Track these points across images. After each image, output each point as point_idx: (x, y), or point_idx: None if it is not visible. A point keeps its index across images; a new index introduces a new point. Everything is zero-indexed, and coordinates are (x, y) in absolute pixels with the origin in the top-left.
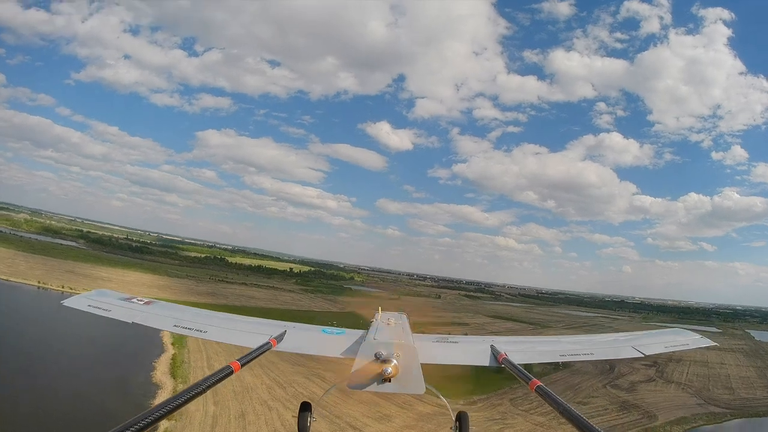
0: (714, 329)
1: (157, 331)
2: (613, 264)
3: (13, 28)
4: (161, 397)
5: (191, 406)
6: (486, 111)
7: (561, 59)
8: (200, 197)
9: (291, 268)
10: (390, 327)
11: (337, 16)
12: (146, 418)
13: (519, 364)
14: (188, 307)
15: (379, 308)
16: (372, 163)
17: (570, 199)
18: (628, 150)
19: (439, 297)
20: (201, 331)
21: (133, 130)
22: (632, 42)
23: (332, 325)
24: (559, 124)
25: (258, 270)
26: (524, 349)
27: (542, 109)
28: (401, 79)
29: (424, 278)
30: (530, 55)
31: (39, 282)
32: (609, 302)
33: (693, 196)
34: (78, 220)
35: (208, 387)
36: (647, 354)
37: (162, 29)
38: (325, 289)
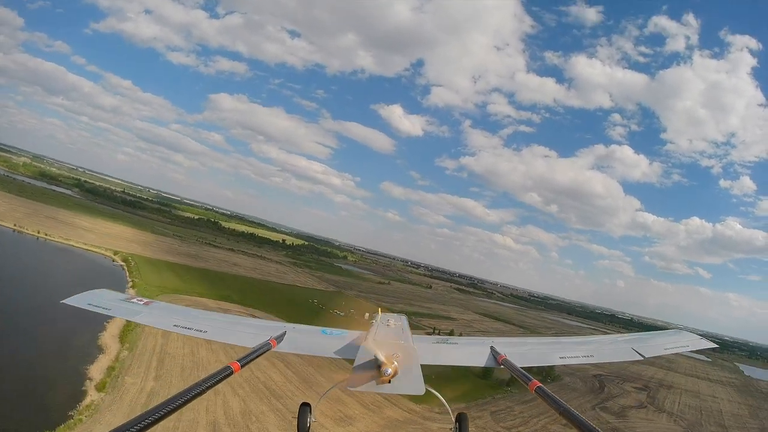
0: (703, 357)
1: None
2: (608, 277)
3: None
4: None
5: (128, 378)
6: (500, 107)
7: (582, 65)
8: (206, 160)
9: (284, 240)
10: (390, 328)
11: None
12: (146, 419)
13: (520, 366)
14: (188, 308)
15: (379, 309)
16: (380, 145)
17: (573, 206)
18: (638, 165)
19: (430, 287)
20: (201, 331)
21: (147, 85)
22: (656, 57)
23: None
24: (572, 129)
25: (250, 238)
26: (524, 351)
27: (557, 112)
28: (420, 64)
29: (418, 266)
30: (552, 57)
31: (15, 225)
32: (600, 315)
33: (695, 221)
34: (80, 169)
35: (208, 387)
36: (647, 356)
37: None
38: (314, 265)
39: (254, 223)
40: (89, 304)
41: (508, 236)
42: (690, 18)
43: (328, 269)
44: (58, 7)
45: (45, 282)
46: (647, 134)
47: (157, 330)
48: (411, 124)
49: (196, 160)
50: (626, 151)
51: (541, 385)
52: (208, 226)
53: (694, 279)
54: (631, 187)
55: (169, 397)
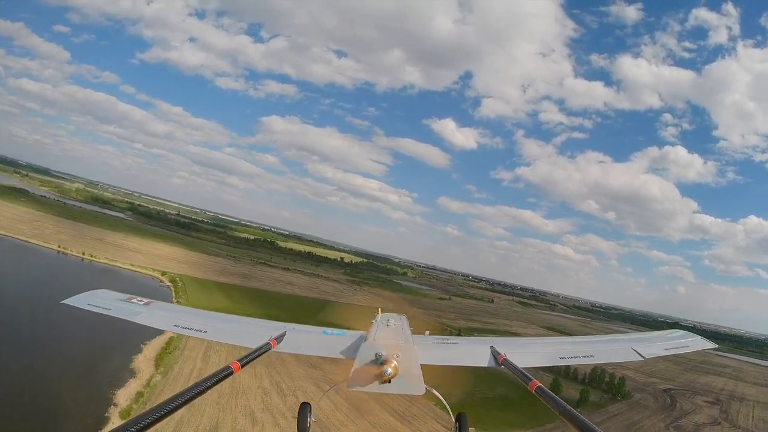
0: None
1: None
2: (668, 283)
3: (78, 7)
4: None
5: None
6: (552, 115)
7: (629, 66)
8: (261, 181)
9: (342, 258)
10: (390, 328)
11: (403, 8)
12: (146, 419)
13: (520, 366)
14: (188, 308)
15: (379, 309)
16: (435, 160)
17: (631, 212)
18: (692, 165)
19: (492, 301)
20: (201, 331)
21: (197, 111)
22: (700, 52)
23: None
24: (624, 133)
25: (308, 257)
26: (524, 351)
27: (608, 116)
28: (468, 76)
29: (479, 280)
30: (597, 60)
31: (59, 246)
32: (663, 323)
33: (753, 219)
34: (136, 194)
35: (208, 387)
36: (647, 356)
37: (228, 14)
38: (372, 282)
39: (312, 242)
40: (89, 305)
41: (568, 246)
42: (729, 7)
43: (388, 286)
44: (103, 40)
45: None
46: (699, 132)
47: (197, 353)
48: (464, 138)
49: (252, 182)
50: (680, 152)
51: (541, 385)
52: (264, 246)
53: (755, 281)
54: (687, 189)
55: (169, 397)
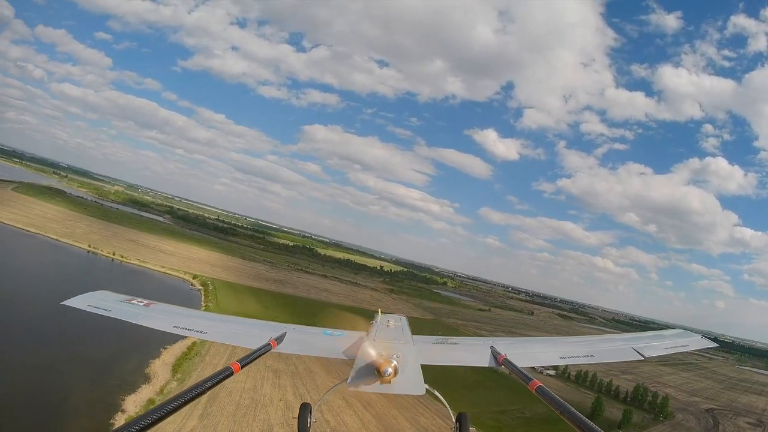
0: None
1: None
2: (707, 297)
3: (119, 15)
4: None
5: None
6: (593, 125)
7: (669, 75)
8: (303, 189)
9: (381, 266)
10: (389, 328)
11: (443, 17)
12: (146, 419)
13: (520, 366)
14: (189, 309)
15: (379, 310)
16: (477, 171)
17: (671, 225)
18: (733, 177)
19: (532, 314)
20: (201, 332)
21: (240, 118)
22: (740, 60)
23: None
24: (665, 144)
25: (347, 264)
26: (524, 351)
27: (649, 127)
28: (509, 86)
29: (519, 291)
30: (638, 70)
31: (89, 246)
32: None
33: None
34: (176, 198)
35: (208, 388)
36: (647, 356)
37: (269, 23)
38: (411, 291)
39: (352, 250)
40: (89, 306)
41: (608, 258)
42: (767, 12)
43: (427, 296)
44: (144, 47)
45: None
46: (740, 143)
47: (218, 360)
48: (506, 148)
49: (294, 189)
50: (721, 163)
51: (541, 384)
52: (303, 252)
53: None
54: (727, 201)
55: (168, 398)
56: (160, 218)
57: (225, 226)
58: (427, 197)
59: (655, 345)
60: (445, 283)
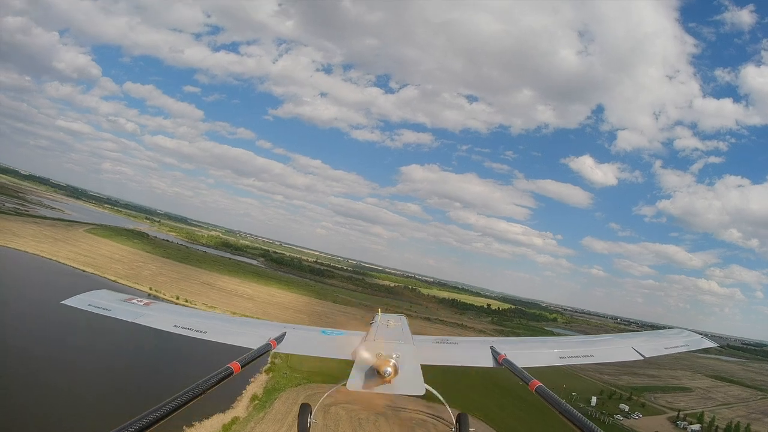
0: None
1: None
2: None
3: (205, 69)
4: None
5: None
6: (686, 141)
7: (753, 76)
8: (405, 230)
9: (488, 305)
10: (389, 329)
11: (524, 44)
12: (146, 419)
13: (520, 366)
14: (189, 308)
15: (379, 310)
16: (577, 200)
17: None
18: None
19: None
20: (201, 332)
21: (336, 163)
22: None
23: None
24: (758, 151)
25: (452, 304)
26: (524, 351)
27: (741, 135)
28: (600, 110)
29: (629, 323)
30: (722, 74)
31: (150, 288)
32: None
33: None
34: (276, 242)
35: (208, 388)
36: (647, 356)
37: (354, 67)
38: (522, 331)
39: (457, 288)
40: (89, 305)
41: (712, 280)
42: None
43: (540, 335)
44: (234, 98)
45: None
46: None
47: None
48: (603, 174)
49: (395, 230)
50: None
51: (541, 384)
52: (405, 293)
53: None
54: None
55: (167, 399)
56: (254, 261)
57: (322, 268)
58: (529, 230)
59: (655, 345)
60: (555, 319)
